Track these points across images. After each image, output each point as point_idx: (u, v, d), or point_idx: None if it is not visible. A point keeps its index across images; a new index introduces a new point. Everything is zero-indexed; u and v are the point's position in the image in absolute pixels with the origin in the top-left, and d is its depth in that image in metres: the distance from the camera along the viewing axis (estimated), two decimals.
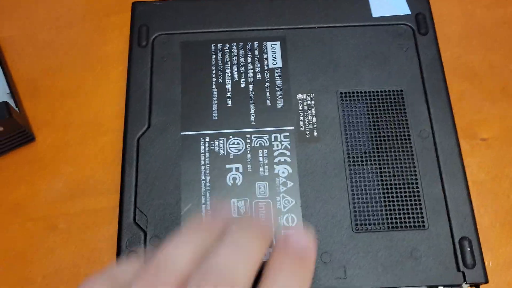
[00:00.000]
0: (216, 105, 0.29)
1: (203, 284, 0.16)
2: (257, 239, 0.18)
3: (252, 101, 0.29)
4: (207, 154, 0.27)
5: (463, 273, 0.25)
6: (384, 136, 0.28)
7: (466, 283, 0.25)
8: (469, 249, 0.25)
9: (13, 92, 0.32)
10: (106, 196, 0.30)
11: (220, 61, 0.30)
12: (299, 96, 0.29)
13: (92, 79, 0.33)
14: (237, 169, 0.27)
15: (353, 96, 0.29)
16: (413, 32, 0.30)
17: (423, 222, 0.26)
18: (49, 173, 0.31)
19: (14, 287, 0.28)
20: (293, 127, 0.28)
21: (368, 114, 0.28)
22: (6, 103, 0.29)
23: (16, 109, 0.31)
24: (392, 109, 0.28)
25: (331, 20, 0.31)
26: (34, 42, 0.35)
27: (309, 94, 0.29)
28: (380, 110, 0.28)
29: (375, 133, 0.28)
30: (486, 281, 0.25)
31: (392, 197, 0.26)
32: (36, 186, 0.31)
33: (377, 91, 0.29)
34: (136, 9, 0.31)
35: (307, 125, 0.28)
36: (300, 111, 0.28)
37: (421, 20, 0.30)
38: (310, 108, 0.29)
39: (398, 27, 0.30)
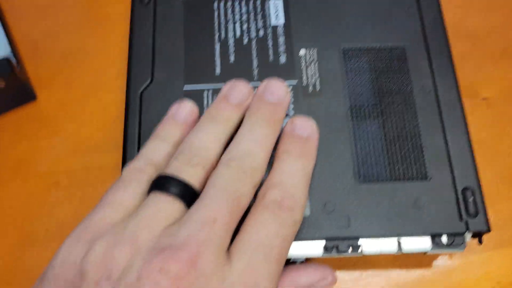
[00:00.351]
0: (219, 61, 0.29)
1: (230, 164, 0.21)
2: (268, 125, 0.23)
3: (254, 57, 0.29)
4: None
5: (466, 222, 0.25)
6: (386, 91, 0.28)
7: (469, 231, 0.25)
8: (471, 198, 0.25)
9: (15, 51, 0.32)
10: (108, 153, 0.30)
11: (222, 18, 0.30)
12: (302, 52, 0.29)
13: (93, 40, 0.33)
14: None
15: (356, 52, 0.29)
16: None
17: (425, 173, 0.26)
18: (51, 131, 0.31)
19: (17, 242, 0.28)
20: (295, 82, 0.28)
21: (371, 69, 0.28)
22: (8, 59, 0.29)
23: (18, 67, 0.31)
24: (394, 65, 0.28)
25: None
26: (35, 4, 0.35)
27: (312, 49, 0.29)
28: (382, 66, 0.28)
29: (378, 88, 0.28)
30: (489, 230, 0.25)
31: (395, 149, 0.26)
32: (38, 143, 0.31)
33: (380, 48, 0.29)
34: None
35: (310, 80, 0.28)
36: (302, 67, 0.28)
37: None
38: (313, 63, 0.29)
39: None
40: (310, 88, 0.28)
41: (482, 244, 0.27)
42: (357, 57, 0.29)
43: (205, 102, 0.27)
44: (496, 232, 0.28)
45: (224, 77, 0.28)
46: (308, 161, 0.23)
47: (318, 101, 0.27)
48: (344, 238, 0.25)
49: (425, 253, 0.25)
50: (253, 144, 0.22)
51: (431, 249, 0.25)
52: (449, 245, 0.25)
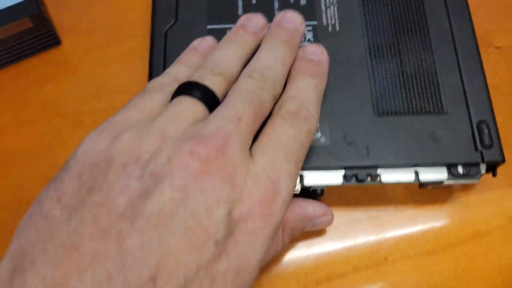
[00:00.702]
0: (241, 1, 0.29)
1: (252, 75, 0.22)
2: (286, 45, 0.24)
3: None
4: None
5: (481, 152, 0.26)
6: (404, 32, 0.29)
7: (484, 162, 0.25)
8: (486, 131, 0.26)
9: None
10: (131, 94, 0.30)
11: None
12: None
13: None
14: None
15: None
16: None
17: (441, 107, 0.27)
18: (75, 73, 0.32)
19: (43, 175, 0.29)
20: (315, 22, 0.29)
21: (389, 12, 0.29)
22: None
23: (43, 9, 0.32)
24: (412, 8, 0.29)
25: None
26: None
27: None
28: (400, 8, 0.29)
29: (396, 28, 0.29)
30: (503, 160, 0.25)
31: (412, 85, 0.27)
32: (63, 85, 0.31)
33: None
34: None
35: (329, 21, 0.29)
36: (322, 8, 0.29)
37: None
38: (332, 5, 0.29)
39: None
40: (330, 28, 0.29)
41: (496, 178, 0.28)
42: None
43: None
44: (509, 171, 0.29)
45: None
46: (320, 81, 0.24)
47: (338, 40, 0.28)
48: (363, 167, 0.25)
49: (441, 182, 0.26)
50: (273, 59, 0.23)
51: (447, 179, 0.25)
52: (465, 175, 0.26)
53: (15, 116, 0.31)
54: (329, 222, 0.27)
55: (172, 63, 0.27)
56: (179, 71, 0.24)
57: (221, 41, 0.25)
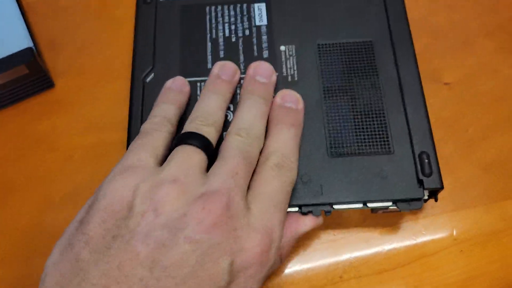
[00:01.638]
0: (210, 56, 0.33)
1: (240, 133, 0.26)
2: (263, 101, 0.28)
3: (241, 53, 0.33)
4: None
5: (422, 181, 0.29)
6: (355, 78, 0.32)
7: (424, 189, 0.29)
8: (427, 161, 0.29)
9: (35, 45, 0.36)
10: (117, 131, 0.34)
11: (213, 20, 0.34)
12: (282, 48, 0.33)
13: (104, 36, 0.38)
14: (228, 108, 0.31)
15: (329, 46, 0.33)
16: None
17: (388, 147, 0.30)
18: (66, 112, 0.36)
19: (36, 205, 0.33)
20: (277, 74, 0.32)
21: (342, 61, 0.33)
22: (31, 48, 0.34)
23: (38, 57, 0.36)
24: (363, 57, 0.33)
25: None
26: (54, 7, 0.40)
27: (291, 46, 0.33)
28: (352, 57, 0.33)
29: (348, 76, 0.32)
30: (442, 187, 0.28)
31: (363, 127, 0.30)
32: (56, 122, 0.35)
33: (350, 42, 0.33)
34: None
35: (289, 71, 0.32)
36: (283, 60, 0.33)
37: None
38: (291, 57, 0.33)
39: None
40: (289, 78, 0.32)
41: (441, 203, 0.31)
42: (330, 51, 0.33)
43: (198, 92, 0.32)
44: (453, 197, 0.32)
45: None
46: (298, 129, 0.28)
47: (297, 88, 0.31)
48: (317, 205, 0.29)
49: (387, 207, 0.29)
50: (254, 116, 0.27)
51: (392, 205, 0.28)
52: (408, 205, 0.28)
53: (12, 151, 0.34)
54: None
55: (149, 107, 0.31)
56: (164, 109, 0.28)
57: (203, 91, 0.29)
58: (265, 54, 0.33)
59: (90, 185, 0.33)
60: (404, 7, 0.34)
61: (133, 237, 0.21)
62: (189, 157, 0.24)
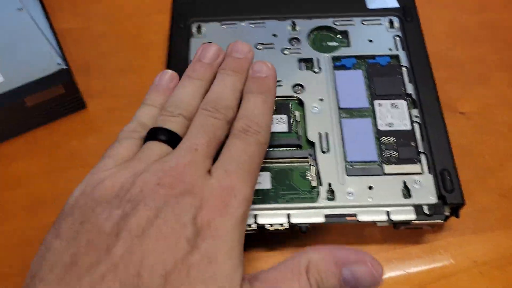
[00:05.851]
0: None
1: (207, 107, 0.27)
2: (235, 73, 0.29)
3: None
4: None
5: (444, 196, 0.30)
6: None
7: (446, 204, 0.30)
8: (448, 178, 0.30)
9: (69, 68, 0.38)
10: None
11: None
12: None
13: (136, 62, 0.40)
14: None
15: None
16: (400, 20, 0.37)
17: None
18: (97, 131, 0.37)
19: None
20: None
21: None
22: (67, 69, 0.36)
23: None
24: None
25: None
26: (90, 33, 0.42)
27: None
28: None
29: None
30: (463, 202, 0.30)
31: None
32: (87, 140, 0.37)
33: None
34: (176, 2, 0.39)
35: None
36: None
37: (407, 11, 0.37)
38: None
39: (389, 17, 0.37)
40: None
41: (461, 225, 0.32)
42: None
43: None
44: (473, 220, 0.33)
45: None
46: (267, 95, 0.28)
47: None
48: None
49: (410, 222, 0.30)
50: (224, 88, 0.28)
51: (416, 219, 0.29)
52: (431, 215, 0.29)
53: (47, 165, 0.36)
54: (371, 274, 0.22)
55: None
56: (143, 114, 0.29)
57: (182, 78, 0.29)
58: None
59: None
60: (422, 35, 0.37)
61: (99, 218, 0.22)
62: (152, 152, 0.25)
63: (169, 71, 0.30)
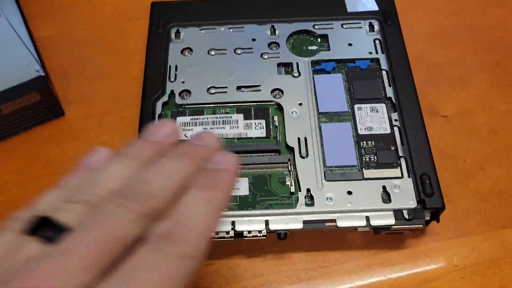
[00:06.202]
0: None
1: (119, 193, 0.18)
2: (179, 159, 0.20)
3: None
4: None
5: (424, 200, 0.30)
6: (360, 108, 0.34)
7: (426, 209, 0.29)
8: (428, 181, 0.30)
9: (47, 74, 0.38)
10: None
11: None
12: None
13: (115, 67, 0.40)
14: None
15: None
16: (380, 23, 0.37)
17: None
18: (75, 138, 0.37)
19: None
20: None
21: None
22: (44, 76, 0.35)
23: (50, 85, 0.37)
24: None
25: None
26: (69, 40, 0.41)
27: None
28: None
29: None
30: (443, 207, 0.29)
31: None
32: (64, 148, 0.36)
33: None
34: (154, 7, 0.38)
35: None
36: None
37: (387, 14, 0.37)
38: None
39: (369, 20, 0.37)
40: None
41: (441, 230, 0.32)
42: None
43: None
44: (453, 224, 0.33)
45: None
46: (217, 193, 0.20)
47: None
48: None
49: (390, 227, 0.29)
50: (155, 174, 0.19)
51: (395, 224, 0.29)
52: (411, 219, 0.29)
53: (22, 174, 0.35)
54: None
55: None
56: (45, 199, 0.20)
57: (116, 155, 0.21)
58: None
59: None
60: (402, 39, 0.36)
61: None
62: (21, 251, 0.17)
63: (103, 151, 0.22)
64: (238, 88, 0.34)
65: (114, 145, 0.36)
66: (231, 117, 0.33)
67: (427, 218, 0.30)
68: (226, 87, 0.34)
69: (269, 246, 0.32)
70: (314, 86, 0.34)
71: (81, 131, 0.37)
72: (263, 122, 0.33)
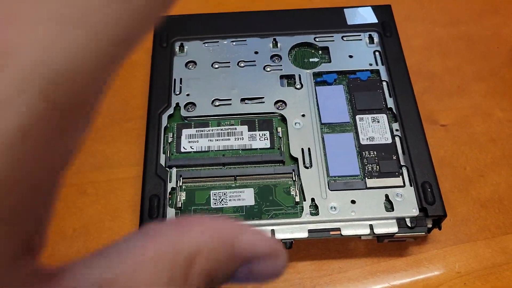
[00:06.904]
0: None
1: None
2: None
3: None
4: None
5: (426, 208, 0.30)
6: (362, 119, 0.34)
7: (428, 216, 0.30)
8: (429, 190, 0.31)
9: None
10: (129, 168, 0.36)
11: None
12: None
13: (119, 80, 0.40)
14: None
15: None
16: (380, 35, 0.38)
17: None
18: (81, 150, 0.37)
19: (50, 238, 0.33)
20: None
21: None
22: None
23: None
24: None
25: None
26: None
27: None
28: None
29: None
30: (445, 214, 0.30)
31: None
32: None
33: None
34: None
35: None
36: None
37: (386, 26, 0.38)
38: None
39: (369, 32, 0.38)
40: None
41: (443, 238, 0.33)
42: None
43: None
44: (455, 231, 0.33)
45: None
46: None
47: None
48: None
49: (393, 235, 0.30)
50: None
51: (398, 231, 0.30)
52: (413, 227, 0.30)
53: None
54: (279, 270, 0.15)
55: (164, 140, 0.33)
56: None
57: None
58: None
59: (102, 218, 0.34)
60: (401, 50, 0.37)
61: None
62: None
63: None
64: (242, 100, 0.35)
65: (118, 157, 0.37)
66: (235, 128, 0.34)
67: (429, 225, 0.30)
68: (230, 99, 0.35)
69: None
70: (316, 98, 0.35)
71: (86, 142, 0.38)
72: (267, 133, 0.34)
